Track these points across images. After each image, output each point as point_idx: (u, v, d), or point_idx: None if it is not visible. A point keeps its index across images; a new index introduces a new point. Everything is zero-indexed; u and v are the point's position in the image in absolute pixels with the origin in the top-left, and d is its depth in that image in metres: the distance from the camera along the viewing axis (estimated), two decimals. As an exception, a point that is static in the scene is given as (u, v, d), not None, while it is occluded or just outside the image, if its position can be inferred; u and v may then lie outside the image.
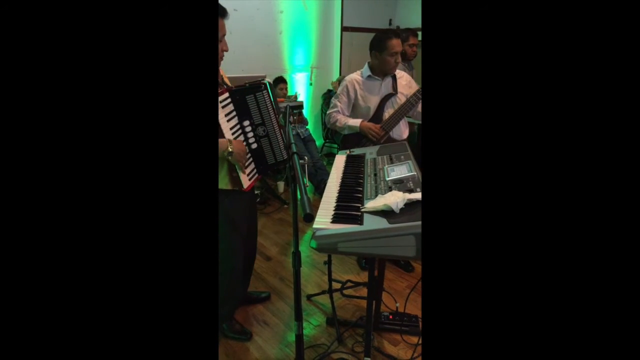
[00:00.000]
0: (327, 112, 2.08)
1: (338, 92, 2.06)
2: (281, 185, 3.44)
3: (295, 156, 0.95)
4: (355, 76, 2.04)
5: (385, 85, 2.02)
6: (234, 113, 1.43)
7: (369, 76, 2.01)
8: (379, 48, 1.92)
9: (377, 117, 2.01)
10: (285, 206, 3.19)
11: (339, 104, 2.04)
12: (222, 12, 1.31)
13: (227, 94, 1.38)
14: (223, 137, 1.38)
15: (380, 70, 1.98)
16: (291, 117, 1.37)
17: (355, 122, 1.98)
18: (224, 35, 1.35)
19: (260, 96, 1.45)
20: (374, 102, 2.01)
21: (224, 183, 1.46)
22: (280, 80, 3.53)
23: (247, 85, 1.44)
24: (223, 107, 1.36)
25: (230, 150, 1.35)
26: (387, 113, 2.00)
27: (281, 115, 1.51)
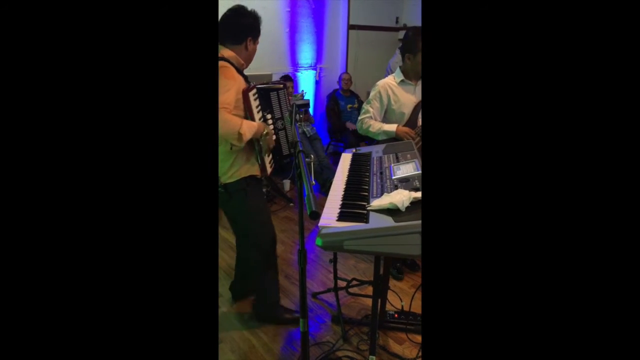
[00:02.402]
0: (359, 117, 2.01)
1: (370, 97, 1.99)
2: (287, 184, 3.45)
3: (302, 154, 0.95)
4: (388, 81, 1.97)
5: (419, 90, 1.94)
6: (260, 107, 1.58)
7: (402, 80, 1.94)
8: (412, 49, 1.85)
9: (411, 122, 1.94)
10: (291, 204, 3.20)
11: (371, 109, 1.97)
12: (260, 20, 1.56)
13: (255, 90, 1.55)
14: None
15: (415, 73, 1.91)
16: (297, 115, 1.39)
17: (391, 127, 1.91)
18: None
19: (282, 93, 1.65)
20: (408, 107, 1.94)
21: (254, 170, 1.59)
22: (286, 79, 3.54)
23: (270, 84, 1.67)
24: (255, 99, 1.54)
25: (266, 132, 1.51)
26: (421, 119, 1.94)
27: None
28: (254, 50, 1.59)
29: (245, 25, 1.52)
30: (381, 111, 1.98)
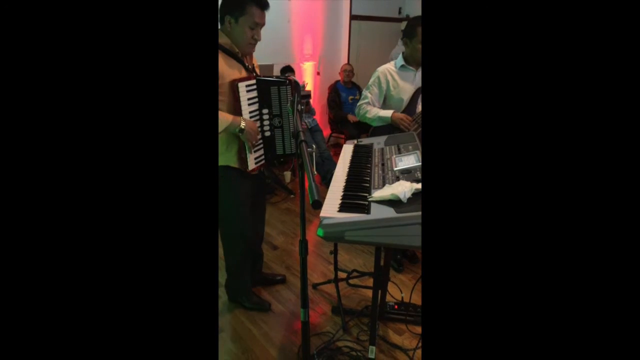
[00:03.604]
0: (358, 103, 2.02)
1: (370, 83, 1.99)
2: (288, 175, 3.45)
3: (303, 144, 0.95)
4: (388, 66, 1.96)
5: (419, 76, 1.93)
6: (257, 99, 1.53)
7: (402, 66, 1.93)
8: (410, 35, 1.85)
9: (409, 109, 1.92)
10: (292, 196, 3.20)
11: (369, 95, 1.96)
12: (264, 5, 1.46)
13: (254, 81, 1.50)
14: (240, 116, 1.47)
15: (413, 59, 1.90)
16: (299, 106, 1.38)
17: (387, 113, 1.90)
18: (262, 25, 1.49)
19: (283, 89, 1.55)
20: (407, 93, 1.93)
21: (232, 161, 1.54)
22: (288, 70, 3.51)
23: (275, 77, 1.59)
24: (248, 91, 1.48)
25: (243, 127, 1.44)
26: (420, 106, 1.92)
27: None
28: (241, 34, 1.44)
29: (223, 3, 1.41)
30: (380, 97, 1.97)
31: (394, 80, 1.94)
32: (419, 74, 1.93)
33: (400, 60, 1.94)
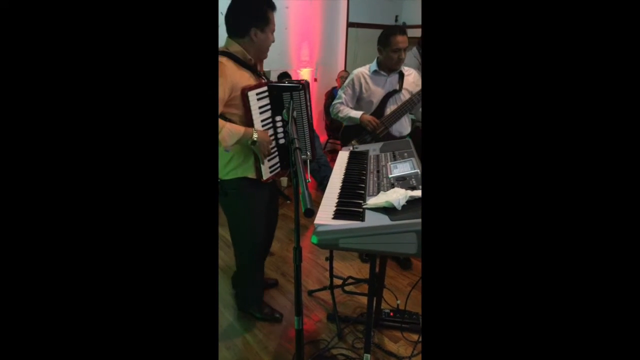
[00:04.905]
0: (333, 102, 2.14)
1: (345, 84, 2.12)
2: (284, 181, 3.45)
3: (297, 151, 0.95)
4: (362, 70, 2.08)
5: (391, 82, 2.05)
6: (269, 107, 1.48)
7: (375, 71, 2.04)
8: (384, 43, 1.97)
9: (379, 112, 2.04)
10: (288, 202, 3.20)
11: (344, 95, 2.09)
12: (275, 7, 1.46)
13: (265, 87, 1.45)
14: (252, 127, 1.43)
15: (386, 65, 2.01)
16: (295, 112, 1.38)
17: (357, 114, 2.02)
18: (273, 30, 1.48)
19: (296, 95, 1.49)
20: (377, 96, 2.05)
21: (250, 172, 1.52)
22: (285, 76, 3.52)
23: (286, 82, 1.53)
24: (259, 99, 1.43)
25: (255, 139, 1.40)
26: (390, 109, 2.04)
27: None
28: (265, 41, 1.46)
29: (246, 16, 1.40)
30: (353, 98, 2.09)
31: (367, 83, 2.06)
32: (389, 79, 2.05)
33: (374, 65, 2.05)
